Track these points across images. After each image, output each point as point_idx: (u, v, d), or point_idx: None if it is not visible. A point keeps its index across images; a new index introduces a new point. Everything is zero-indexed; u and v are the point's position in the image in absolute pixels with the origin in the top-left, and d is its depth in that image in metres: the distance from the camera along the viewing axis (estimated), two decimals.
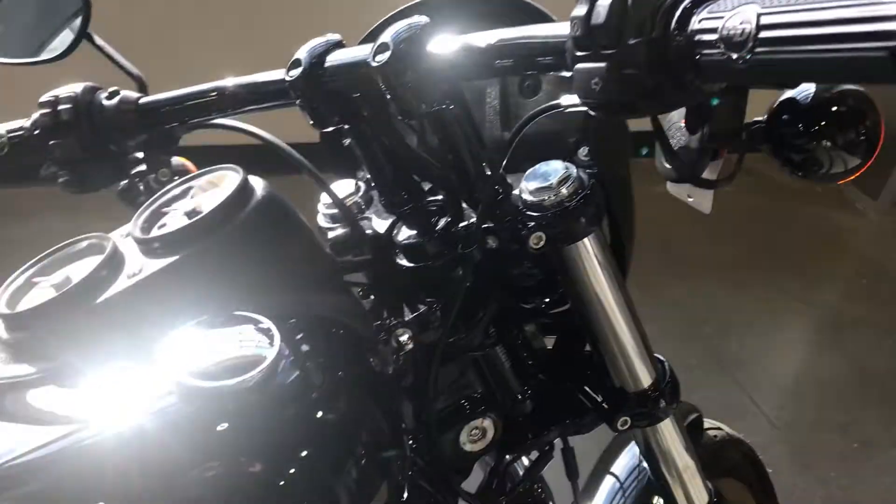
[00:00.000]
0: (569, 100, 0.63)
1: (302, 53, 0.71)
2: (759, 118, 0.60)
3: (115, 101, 0.80)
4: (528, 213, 0.73)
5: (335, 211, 0.84)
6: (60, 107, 0.79)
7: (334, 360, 0.70)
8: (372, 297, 0.83)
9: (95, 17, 0.89)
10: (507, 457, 0.91)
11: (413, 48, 0.64)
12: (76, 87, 0.81)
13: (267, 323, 0.63)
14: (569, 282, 0.78)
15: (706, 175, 0.62)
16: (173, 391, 0.60)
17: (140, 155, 0.87)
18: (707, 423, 1.20)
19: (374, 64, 0.65)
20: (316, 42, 0.72)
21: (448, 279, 0.77)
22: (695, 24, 0.45)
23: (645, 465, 1.01)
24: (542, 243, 0.73)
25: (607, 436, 1.15)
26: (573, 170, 0.73)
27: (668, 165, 0.62)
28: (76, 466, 0.58)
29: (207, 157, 0.82)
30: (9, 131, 0.82)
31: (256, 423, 0.62)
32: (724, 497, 1.03)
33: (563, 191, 0.72)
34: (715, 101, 0.71)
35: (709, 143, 0.58)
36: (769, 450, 1.33)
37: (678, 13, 0.46)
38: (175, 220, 0.69)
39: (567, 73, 0.53)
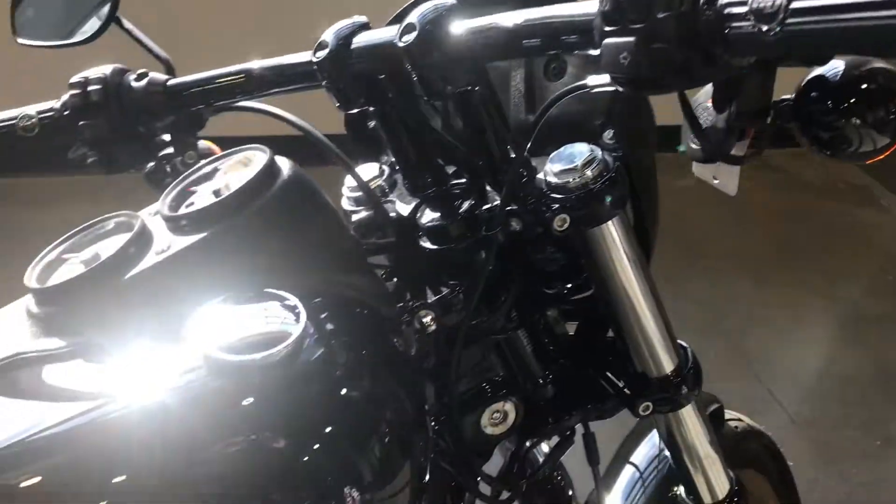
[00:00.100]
0: (595, 80, 0.63)
1: (328, 35, 0.72)
2: (787, 96, 0.60)
3: (143, 82, 0.81)
4: (553, 195, 0.73)
5: (359, 194, 0.84)
6: (90, 88, 0.80)
7: (358, 340, 0.71)
8: (395, 279, 0.84)
9: (124, 1, 0.90)
10: (528, 441, 0.91)
11: (439, 29, 0.65)
12: (105, 69, 0.82)
13: (293, 300, 0.64)
14: (592, 265, 0.78)
15: (733, 153, 0.61)
16: (201, 365, 0.61)
17: (167, 137, 0.87)
18: (728, 414, 1.19)
19: (400, 45, 0.66)
20: (342, 24, 0.73)
21: (471, 262, 0.78)
22: None
23: (666, 453, 1.01)
24: (566, 225, 0.73)
25: (628, 423, 1.15)
26: (598, 152, 0.73)
27: (694, 145, 0.62)
28: (102, 440, 0.59)
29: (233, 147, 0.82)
30: (39, 112, 0.84)
31: (281, 399, 0.62)
32: (745, 486, 1.03)
33: (588, 173, 0.72)
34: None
35: (736, 121, 0.58)
36: (789, 445, 1.32)
37: None
38: (203, 198, 0.70)
39: (594, 52, 0.54)
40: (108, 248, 0.68)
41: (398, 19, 0.70)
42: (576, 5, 0.58)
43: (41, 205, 3.16)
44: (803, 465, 2.13)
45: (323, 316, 0.69)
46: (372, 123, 0.81)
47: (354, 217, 0.84)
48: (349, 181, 0.85)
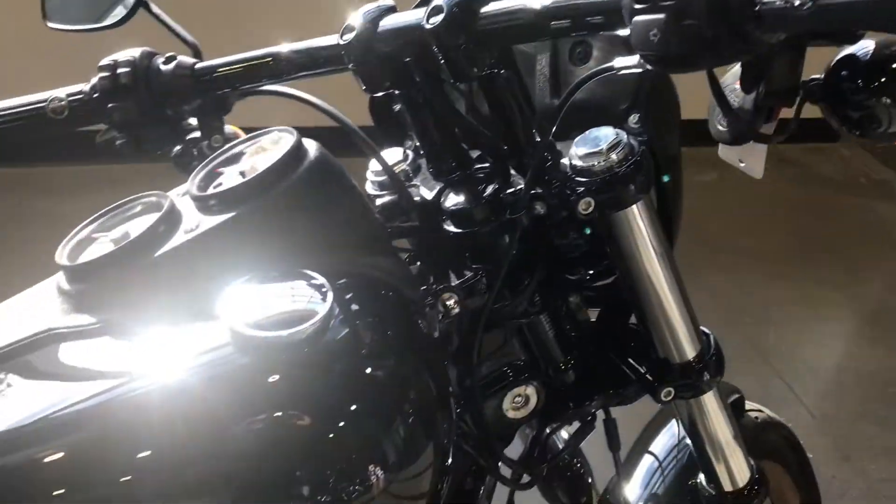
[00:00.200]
0: (622, 62, 0.63)
1: (355, 18, 0.72)
2: (817, 76, 0.60)
3: (171, 65, 0.82)
4: (578, 178, 0.74)
5: (383, 178, 0.85)
6: (119, 70, 0.80)
7: (383, 321, 0.71)
8: (418, 263, 0.84)
9: None
10: (549, 426, 0.91)
11: (466, 11, 0.65)
12: (134, 52, 0.82)
13: (320, 279, 0.64)
14: (616, 249, 0.78)
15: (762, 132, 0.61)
16: (228, 342, 0.61)
17: (194, 121, 0.88)
18: (748, 405, 1.19)
19: (427, 27, 0.66)
20: (369, 7, 0.73)
21: (495, 246, 0.78)
22: None
23: (687, 441, 1.01)
24: (590, 209, 0.74)
25: (647, 413, 1.15)
26: (623, 136, 0.73)
27: (721, 127, 0.62)
28: (127, 416, 0.59)
29: None
30: (69, 95, 0.84)
31: (307, 377, 0.63)
32: (765, 475, 1.02)
33: (613, 157, 0.72)
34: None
35: (765, 101, 0.58)
36: (808, 440, 1.32)
37: None
38: (231, 179, 0.70)
39: (623, 31, 0.54)
40: (137, 227, 0.69)
41: (425, 2, 0.71)
42: None
43: (56, 193, 3.19)
44: (822, 461, 2.12)
45: (348, 296, 0.69)
46: (397, 107, 0.81)
47: (378, 201, 0.85)
48: (373, 165, 0.86)
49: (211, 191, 0.70)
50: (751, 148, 0.66)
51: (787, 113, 0.61)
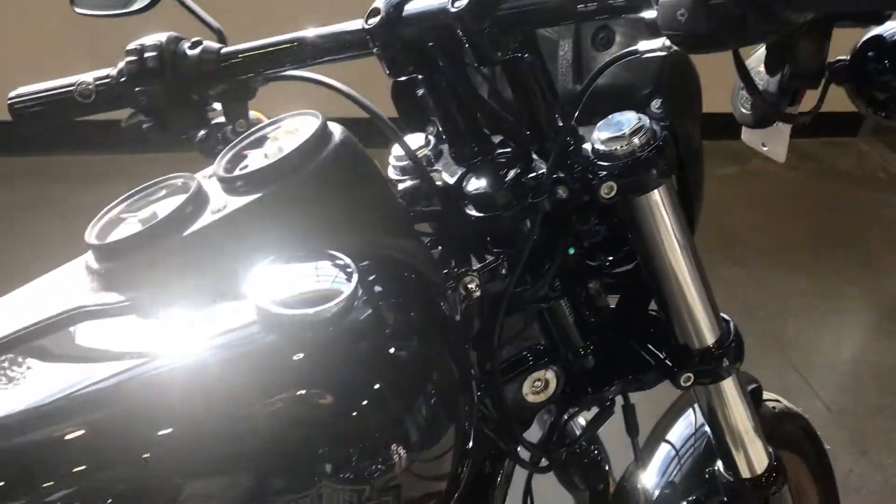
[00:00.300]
0: (647, 45, 0.64)
1: (380, 2, 0.73)
2: (843, 57, 0.60)
3: (197, 50, 0.83)
4: (600, 162, 0.74)
5: (405, 163, 0.85)
6: (146, 55, 0.81)
7: (406, 302, 0.72)
8: (440, 247, 0.85)
9: None
10: (568, 411, 0.92)
11: None
12: (160, 37, 0.83)
13: (345, 259, 0.65)
14: (637, 233, 0.78)
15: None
16: (254, 320, 0.62)
17: (218, 106, 0.89)
18: (765, 395, 1.19)
19: (452, 10, 0.66)
20: None
21: (516, 230, 0.78)
22: None
23: (705, 428, 1.01)
24: (612, 193, 0.74)
25: (664, 400, 1.16)
26: (646, 120, 0.74)
27: (744, 110, 0.62)
28: (150, 393, 0.60)
29: None
30: (96, 79, 0.85)
31: (331, 355, 0.64)
32: (783, 462, 1.03)
33: (636, 141, 0.73)
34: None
35: (790, 83, 0.58)
36: (825, 433, 1.31)
37: None
38: (257, 161, 0.71)
39: (649, 13, 0.54)
40: (165, 207, 0.70)
41: None
42: None
43: (74, 182, 3.22)
44: (839, 455, 2.12)
45: (372, 277, 0.70)
46: (420, 92, 0.82)
47: (400, 186, 0.85)
48: (395, 151, 0.86)
49: (237, 172, 0.70)
50: (774, 131, 0.66)
51: (810, 97, 0.61)
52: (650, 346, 0.89)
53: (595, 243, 0.86)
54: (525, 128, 0.78)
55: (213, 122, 0.89)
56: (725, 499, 1.03)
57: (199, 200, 0.69)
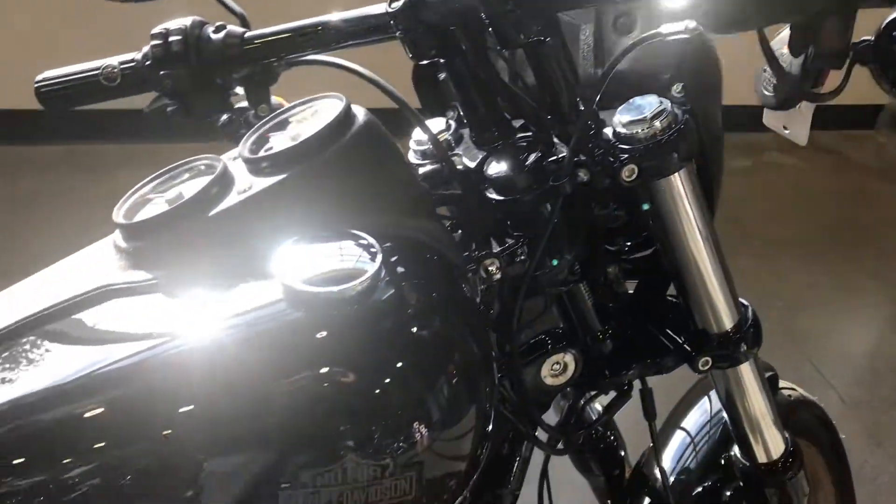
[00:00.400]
0: (670, 27, 0.64)
1: None
2: (867, 37, 0.60)
3: (221, 34, 0.83)
4: (621, 145, 0.74)
5: (426, 147, 0.86)
6: (171, 38, 0.82)
7: (429, 283, 0.72)
8: (460, 231, 0.85)
9: None
10: (586, 395, 0.93)
11: None
12: (185, 21, 0.84)
13: (369, 239, 0.66)
14: (658, 217, 0.79)
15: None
16: (279, 298, 0.63)
17: (240, 91, 0.90)
18: (781, 383, 1.19)
19: None
20: None
21: (537, 214, 0.79)
22: None
23: (723, 414, 1.02)
24: (634, 176, 0.74)
25: (678, 390, 1.16)
26: (667, 104, 0.74)
27: (767, 92, 0.63)
28: (178, 369, 0.61)
29: None
30: (121, 63, 0.86)
31: (355, 334, 0.64)
32: (799, 448, 1.03)
33: (657, 124, 0.73)
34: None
35: (814, 64, 0.58)
36: (839, 425, 1.31)
37: None
38: (281, 142, 0.72)
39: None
40: (191, 188, 0.71)
41: None
42: None
43: (95, 171, 3.25)
44: (854, 446, 2.11)
45: (395, 258, 0.70)
46: (442, 76, 0.82)
47: (421, 170, 0.86)
48: (416, 135, 0.87)
49: (262, 153, 0.71)
50: (796, 114, 0.66)
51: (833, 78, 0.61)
52: (668, 331, 0.89)
53: (614, 228, 0.86)
54: (546, 112, 0.78)
55: (236, 106, 0.90)
56: (741, 484, 1.04)
57: (224, 181, 0.70)
